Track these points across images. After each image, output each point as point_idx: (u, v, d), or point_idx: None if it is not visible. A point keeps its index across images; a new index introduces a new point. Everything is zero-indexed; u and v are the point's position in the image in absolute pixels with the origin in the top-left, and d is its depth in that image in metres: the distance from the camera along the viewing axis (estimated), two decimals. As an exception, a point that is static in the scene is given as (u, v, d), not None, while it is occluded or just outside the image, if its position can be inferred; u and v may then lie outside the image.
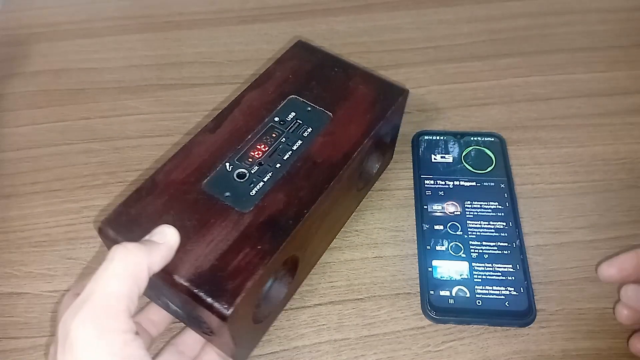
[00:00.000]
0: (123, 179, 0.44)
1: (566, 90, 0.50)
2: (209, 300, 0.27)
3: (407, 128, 0.46)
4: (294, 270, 0.34)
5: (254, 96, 0.37)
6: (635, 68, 0.52)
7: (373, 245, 0.40)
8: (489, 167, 0.43)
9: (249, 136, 0.35)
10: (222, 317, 0.27)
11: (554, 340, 0.36)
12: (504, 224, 0.40)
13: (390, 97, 0.38)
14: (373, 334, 0.36)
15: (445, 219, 0.41)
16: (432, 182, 0.43)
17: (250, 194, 0.32)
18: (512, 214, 0.41)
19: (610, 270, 0.35)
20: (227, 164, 0.33)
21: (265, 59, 0.53)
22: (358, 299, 0.38)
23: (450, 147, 0.45)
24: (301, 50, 0.41)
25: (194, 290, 0.28)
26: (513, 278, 0.38)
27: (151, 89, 0.51)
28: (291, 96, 0.38)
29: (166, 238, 0.28)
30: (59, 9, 0.58)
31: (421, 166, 0.44)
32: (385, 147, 0.41)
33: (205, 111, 0.49)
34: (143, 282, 0.25)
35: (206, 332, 0.31)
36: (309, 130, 0.36)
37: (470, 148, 0.45)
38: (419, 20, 0.56)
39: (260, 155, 0.34)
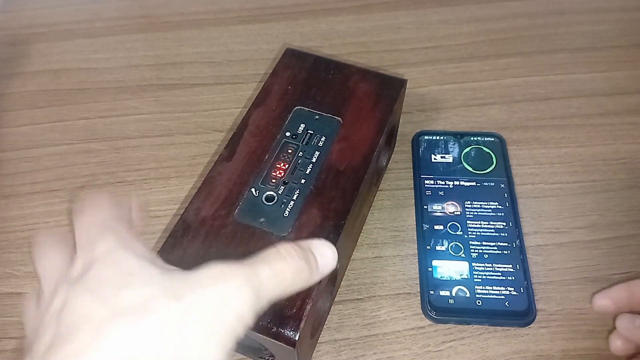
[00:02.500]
0: (123, 179, 0.44)
1: (566, 90, 0.50)
2: (275, 329, 0.27)
3: (407, 128, 0.46)
4: (334, 279, 0.34)
5: (259, 115, 0.37)
6: (635, 68, 0.52)
7: (373, 245, 0.40)
8: (489, 167, 0.43)
9: (266, 157, 0.35)
10: (291, 344, 0.27)
11: (554, 340, 0.36)
12: (504, 224, 0.40)
13: (391, 90, 0.38)
14: (373, 334, 0.36)
15: (445, 219, 0.41)
16: (432, 182, 0.43)
17: (284, 215, 0.32)
18: (512, 214, 0.41)
19: (604, 301, 0.35)
20: (253, 190, 0.33)
21: (265, 59, 0.53)
22: (358, 299, 0.38)
23: (450, 147, 0.45)
24: (292, 58, 0.41)
25: (258, 323, 0.28)
26: (513, 278, 0.38)
27: (151, 89, 0.51)
28: (296, 107, 0.37)
29: None
30: (59, 9, 0.58)
31: (421, 166, 0.43)
32: (391, 138, 0.42)
33: (205, 111, 0.49)
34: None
35: (264, 357, 0.31)
36: (323, 139, 0.35)
37: (470, 148, 0.45)
38: (419, 20, 0.56)
39: (282, 175, 0.34)
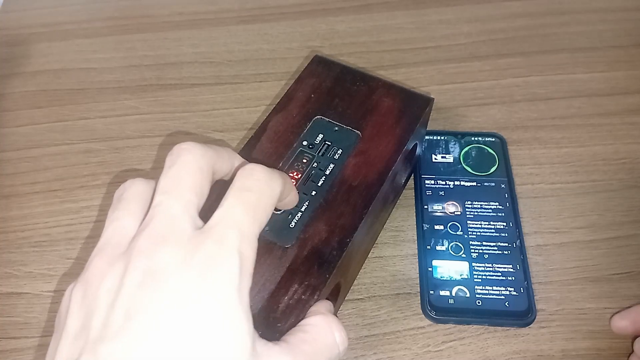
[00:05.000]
0: (123, 179, 0.44)
1: (566, 90, 0.50)
2: None
3: (407, 128, 0.46)
4: (337, 294, 0.34)
5: (279, 121, 0.36)
6: (635, 68, 0.52)
7: (373, 245, 0.40)
8: (489, 167, 0.43)
9: (280, 164, 0.34)
10: None
11: (554, 340, 0.36)
12: (504, 224, 0.40)
13: (416, 107, 0.37)
14: (373, 334, 0.36)
15: (445, 219, 0.41)
16: (432, 182, 0.43)
17: (290, 226, 0.31)
18: (512, 214, 0.41)
19: (623, 322, 0.35)
20: None
21: (264, 59, 0.53)
22: (358, 299, 0.38)
23: (451, 147, 0.45)
24: (319, 65, 0.40)
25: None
26: (513, 278, 0.38)
27: (151, 89, 0.51)
28: (316, 117, 0.37)
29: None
30: (59, 9, 0.58)
31: (421, 166, 0.43)
32: (412, 156, 0.41)
33: (205, 111, 0.49)
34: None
35: None
36: (340, 151, 0.35)
37: (471, 148, 0.45)
38: (419, 20, 0.56)
39: (294, 184, 0.33)
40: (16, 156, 0.46)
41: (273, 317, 0.27)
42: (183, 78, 0.52)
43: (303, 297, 0.28)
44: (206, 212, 0.24)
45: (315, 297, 0.28)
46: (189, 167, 0.23)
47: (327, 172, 0.34)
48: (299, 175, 0.34)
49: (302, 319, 0.27)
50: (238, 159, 0.27)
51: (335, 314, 0.36)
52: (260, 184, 0.23)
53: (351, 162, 0.34)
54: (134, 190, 0.24)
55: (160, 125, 0.48)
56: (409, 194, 0.43)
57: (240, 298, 0.21)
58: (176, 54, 0.54)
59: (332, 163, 0.34)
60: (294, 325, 0.27)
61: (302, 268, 0.29)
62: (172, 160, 0.23)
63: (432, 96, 0.38)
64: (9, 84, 0.51)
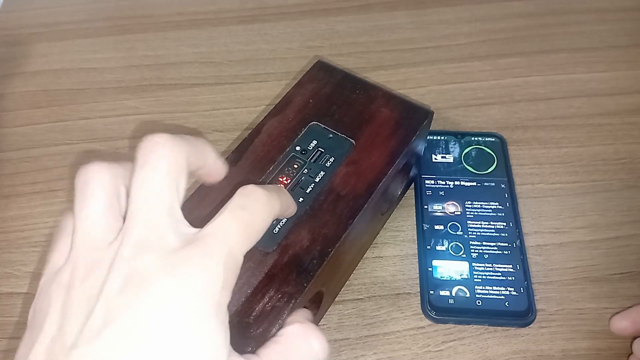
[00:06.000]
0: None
1: (566, 90, 0.50)
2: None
3: (407, 128, 0.46)
4: (319, 302, 0.33)
5: (274, 124, 0.36)
6: (635, 68, 0.52)
7: (373, 245, 0.40)
8: (489, 167, 0.43)
9: (270, 168, 0.34)
10: None
11: (554, 340, 0.36)
12: (504, 224, 0.40)
13: (414, 120, 0.36)
14: (373, 334, 0.36)
15: (445, 219, 0.41)
16: (432, 182, 0.43)
17: (274, 231, 0.31)
18: (512, 214, 0.41)
19: (623, 322, 0.35)
20: None
21: (265, 59, 0.53)
22: (358, 299, 0.38)
23: (451, 147, 0.45)
24: (321, 71, 0.39)
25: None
26: (513, 278, 0.38)
27: (151, 89, 0.51)
28: (312, 123, 0.36)
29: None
30: (59, 9, 0.58)
31: (422, 166, 0.43)
32: (409, 168, 0.40)
33: (205, 111, 0.49)
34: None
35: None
36: (332, 159, 0.34)
37: (471, 148, 0.45)
38: (419, 20, 0.56)
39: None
40: (16, 156, 0.46)
41: (246, 322, 0.27)
42: (183, 78, 0.52)
43: (278, 304, 0.28)
44: (197, 219, 0.23)
45: (291, 305, 0.28)
46: (165, 165, 0.22)
47: (317, 179, 0.33)
48: (288, 181, 0.33)
49: (276, 325, 0.27)
50: (210, 150, 0.26)
51: (318, 322, 0.36)
52: (257, 205, 0.23)
53: (342, 171, 0.34)
54: (101, 181, 0.24)
55: (160, 125, 0.48)
56: (408, 193, 0.43)
57: (218, 311, 0.20)
58: (176, 54, 0.54)
59: (323, 170, 0.34)
60: (267, 331, 0.26)
61: (280, 275, 0.29)
62: (146, 155, 0.23)
63: (432, 109, 0.37)
64: (9, 84, 0.51)
